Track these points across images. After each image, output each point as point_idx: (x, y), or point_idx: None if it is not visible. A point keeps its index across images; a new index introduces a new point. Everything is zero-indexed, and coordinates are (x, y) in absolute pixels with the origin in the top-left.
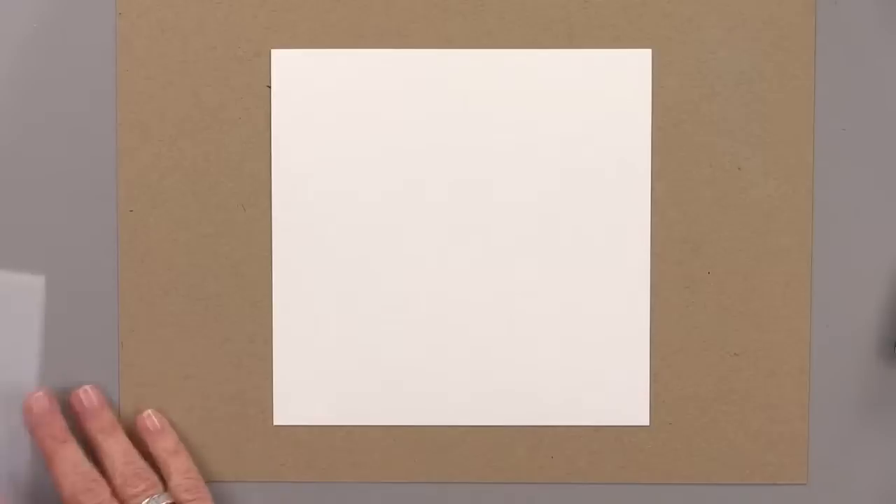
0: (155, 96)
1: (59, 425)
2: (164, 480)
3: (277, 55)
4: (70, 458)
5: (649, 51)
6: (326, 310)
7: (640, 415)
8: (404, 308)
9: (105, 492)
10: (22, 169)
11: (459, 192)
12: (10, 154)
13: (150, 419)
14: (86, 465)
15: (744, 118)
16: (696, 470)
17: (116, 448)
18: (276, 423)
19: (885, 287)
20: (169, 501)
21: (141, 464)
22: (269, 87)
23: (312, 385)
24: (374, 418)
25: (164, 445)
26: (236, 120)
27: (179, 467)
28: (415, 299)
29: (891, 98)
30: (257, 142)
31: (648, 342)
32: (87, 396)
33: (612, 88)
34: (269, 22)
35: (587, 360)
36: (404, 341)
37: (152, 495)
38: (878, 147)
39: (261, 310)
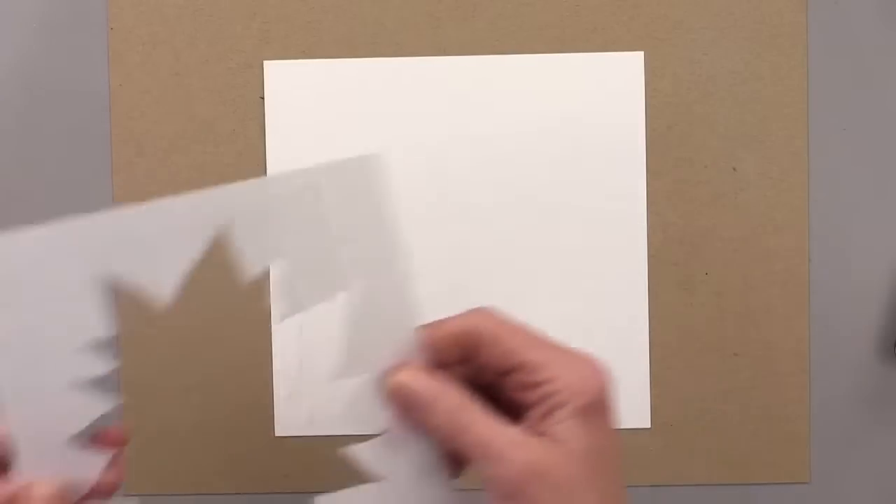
0: (148, 110)
1: None
2: None
3: (270, 66)
4: None
5: (641, 53)
6: (325, 319)
7: (641, 417)
8: None
9: None
10: (17, 186)
11: (455, 198)
12: (5, 171)
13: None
14: None
15: (738, 119)
16: (698, 471)
17: None
18: (277, 434)
19: (884, 287)
20: None
21: None
22: (263, 98)
23: (313, 396)
24: (374, 427)
25: None
26: (230, 132)
27: None
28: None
29: (885, 95)
30: (252, 153)
31: (648, 344)
32: None
33: (605, 91)
34: (260, 33)
35: None
36: None
37: None
38: (872, 145)
39: (260, 321)
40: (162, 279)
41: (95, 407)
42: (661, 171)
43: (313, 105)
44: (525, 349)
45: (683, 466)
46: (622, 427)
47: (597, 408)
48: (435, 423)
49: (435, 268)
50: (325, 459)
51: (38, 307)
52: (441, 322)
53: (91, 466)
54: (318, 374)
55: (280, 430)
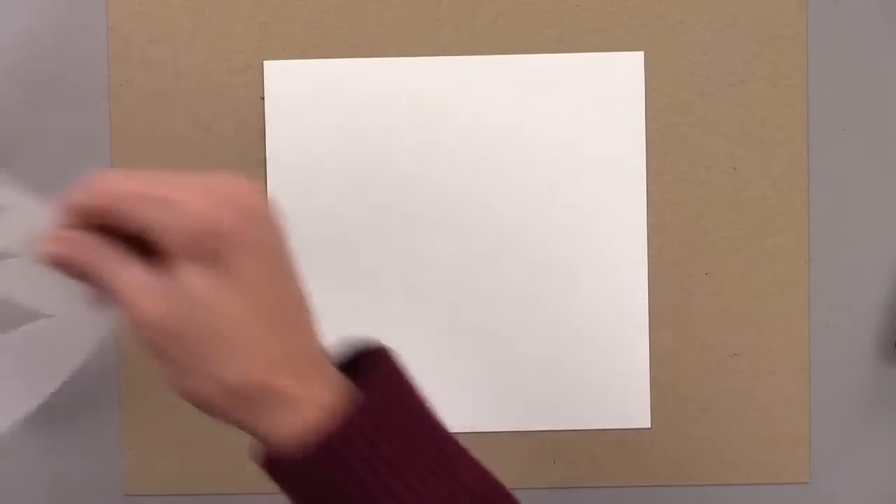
0: (148, 111)
1: None
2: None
3: (270, 66)
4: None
5: (641, 53)
6: (325, 319)
7: (640, 417)
8: (403, 316)
9: None
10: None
11: (456, 199)
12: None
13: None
14: None
15: (737, 118)
16: (698, 471)
17: None
18: None
19: (884, 287)
20: None
21: None
22: (263, 98)
23: None
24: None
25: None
26: (231, 132)
27: None
28: (414, 308)
29: (884, 95)
30: (252, 153)
31: (648, 344)
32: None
33: (605, 91)
34: (260, 33)
35: (587, 364)
36: (404, 349)
37: None
38: (872, 144)
39: None
40: None
41: None
42: (661, 170)
43: (313, 105)
44: (141, 204)
45: (684, 466)
46: (622, 427)
47: (211, 243)
48: (86, 273)
49: (435, 263)
50: None
51: None
52: (69, 196)
53: None
54: None
55: None
